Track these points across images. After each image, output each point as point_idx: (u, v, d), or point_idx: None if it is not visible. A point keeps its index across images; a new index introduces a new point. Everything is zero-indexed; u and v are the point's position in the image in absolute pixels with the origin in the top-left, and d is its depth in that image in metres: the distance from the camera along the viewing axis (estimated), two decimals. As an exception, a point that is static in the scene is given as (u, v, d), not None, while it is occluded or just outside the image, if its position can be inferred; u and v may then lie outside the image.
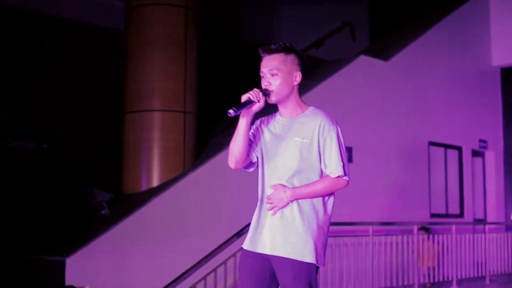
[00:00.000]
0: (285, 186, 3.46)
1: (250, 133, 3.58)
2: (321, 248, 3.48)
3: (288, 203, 3.44)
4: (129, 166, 8.79)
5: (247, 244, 3.59)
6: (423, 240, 9.78)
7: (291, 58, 3.52)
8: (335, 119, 3.55)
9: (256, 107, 3.44)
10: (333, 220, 9.66)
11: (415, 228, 9.43)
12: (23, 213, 8.89)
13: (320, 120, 3.47)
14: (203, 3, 9.59)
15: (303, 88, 10.06)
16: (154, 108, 8.68)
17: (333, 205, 3.57)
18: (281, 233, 3.45)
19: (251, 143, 3.61)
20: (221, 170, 8.32)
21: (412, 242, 9.40)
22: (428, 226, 10.06)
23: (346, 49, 14.31)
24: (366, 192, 10.32)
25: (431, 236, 9.91)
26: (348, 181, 3.49)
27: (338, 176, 3.45)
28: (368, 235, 8.78)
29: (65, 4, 10.79)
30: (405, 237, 9.30)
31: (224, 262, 7.38)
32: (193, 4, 9.04)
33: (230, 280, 7.57)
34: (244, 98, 3.41)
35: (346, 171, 3.47)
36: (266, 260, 3.51)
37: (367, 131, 10.54)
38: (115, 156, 9.61)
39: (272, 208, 3.48)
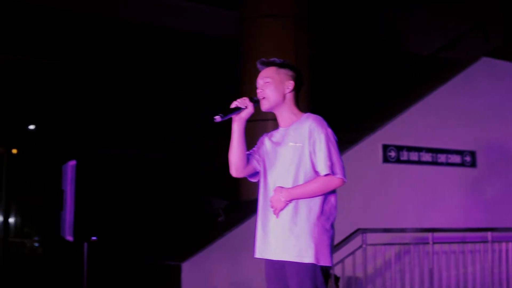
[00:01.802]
0: (282, 187, 3.60)
1: (255, 146, 3.82)
2: (324, 247, 3.55)
3: (287, 203, 3.57)
4: (246, 174, 9.05)
5: (257, 253, 3.75)
6: None
7: (285, 70, 3.79)
8: (326, 123, 3.70)
9: (245, 113, 3.67)
10: (452, 225, 9.32)
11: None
12: (144, 219, 9.41)
13: (309, 124, 3.64)
14: (322, 10, 9.68)
15: (421, 92, 9.96)
16: (268, 118, 8.91)
17: (335, 203, 3.65)
18: (282, 237, 3.59)
19: (254, 153, 3.82)
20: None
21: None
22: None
23: (480, 50, 13.86)
24: (491, 198, 9.99)
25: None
26: (342, 179, 3.58)
27: (328, 175, 3.54)
28: (487, 242, 8.51)
29: (179, 17, 11.29)
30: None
31: (342, 261, 7.40)
32: (305, 14, 9.19)
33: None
34: (232, 105, 3.66)
35: (336, 170, 3.56)
36: (280, 265, 3.64)
37: (492, 135, 10.20)
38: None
39: (274, 211, 3.62)
